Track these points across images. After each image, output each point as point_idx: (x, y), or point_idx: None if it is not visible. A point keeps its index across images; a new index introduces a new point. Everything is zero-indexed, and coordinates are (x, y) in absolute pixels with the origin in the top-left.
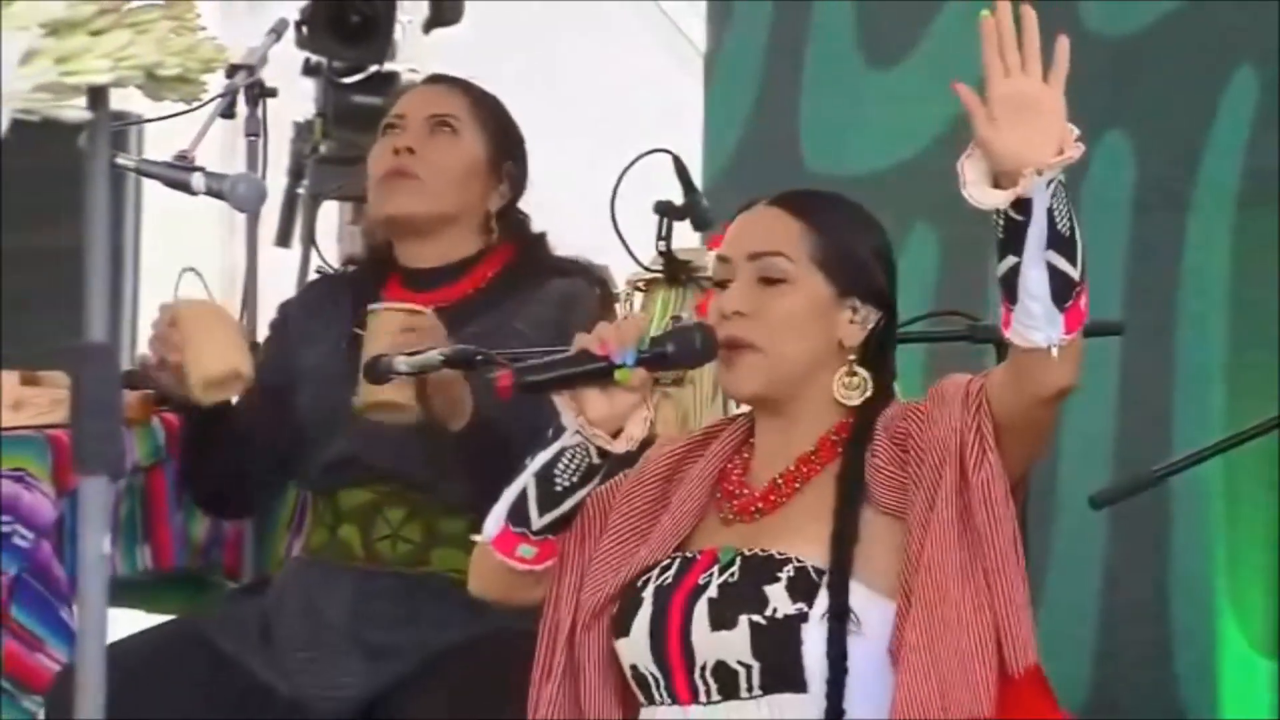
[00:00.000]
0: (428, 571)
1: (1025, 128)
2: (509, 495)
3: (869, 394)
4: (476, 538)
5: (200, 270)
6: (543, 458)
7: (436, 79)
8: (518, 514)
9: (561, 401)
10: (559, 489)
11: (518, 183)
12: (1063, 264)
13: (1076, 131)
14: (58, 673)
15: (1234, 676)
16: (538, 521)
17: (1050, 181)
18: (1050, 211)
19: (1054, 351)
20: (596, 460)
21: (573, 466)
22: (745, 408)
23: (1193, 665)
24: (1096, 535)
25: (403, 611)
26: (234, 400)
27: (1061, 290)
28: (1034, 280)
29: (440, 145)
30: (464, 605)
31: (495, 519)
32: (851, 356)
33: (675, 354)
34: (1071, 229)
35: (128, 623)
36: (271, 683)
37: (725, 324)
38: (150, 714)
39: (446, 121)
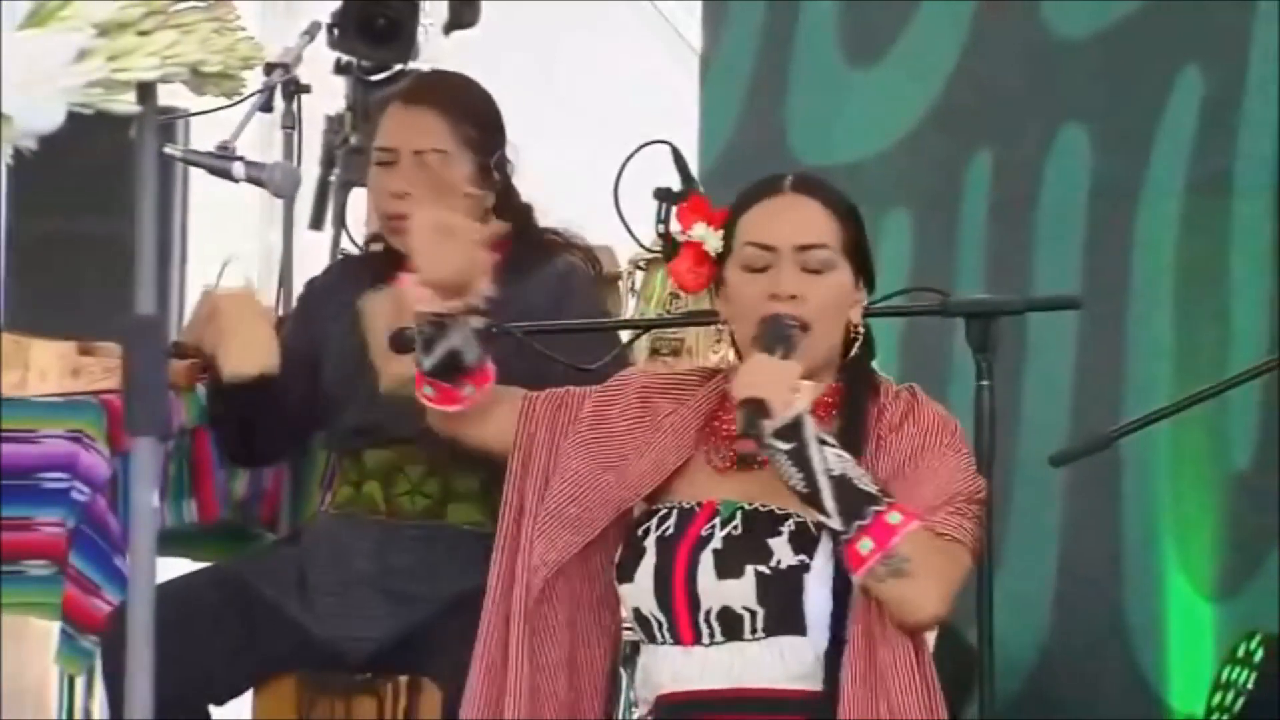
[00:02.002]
0: (445, 524)
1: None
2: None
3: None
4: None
5: (240, 251)
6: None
7: (415, 97)
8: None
9: None
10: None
11: (504, 167)
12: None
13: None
14: (111, 614)
15: (1180, 621)
16: (428, 363)
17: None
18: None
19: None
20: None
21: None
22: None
23: (1142, 610)
24: (1054, 494)
25: (422, 561)
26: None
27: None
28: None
29: (432, 179)
30: (478, 554)
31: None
32: (854, 336)
33: (787, 350)
34: (809, 481)
35: (175, 570)
36: (305, 624)
37: (776, 305)
38: (196, 651)
39: (433, 158)
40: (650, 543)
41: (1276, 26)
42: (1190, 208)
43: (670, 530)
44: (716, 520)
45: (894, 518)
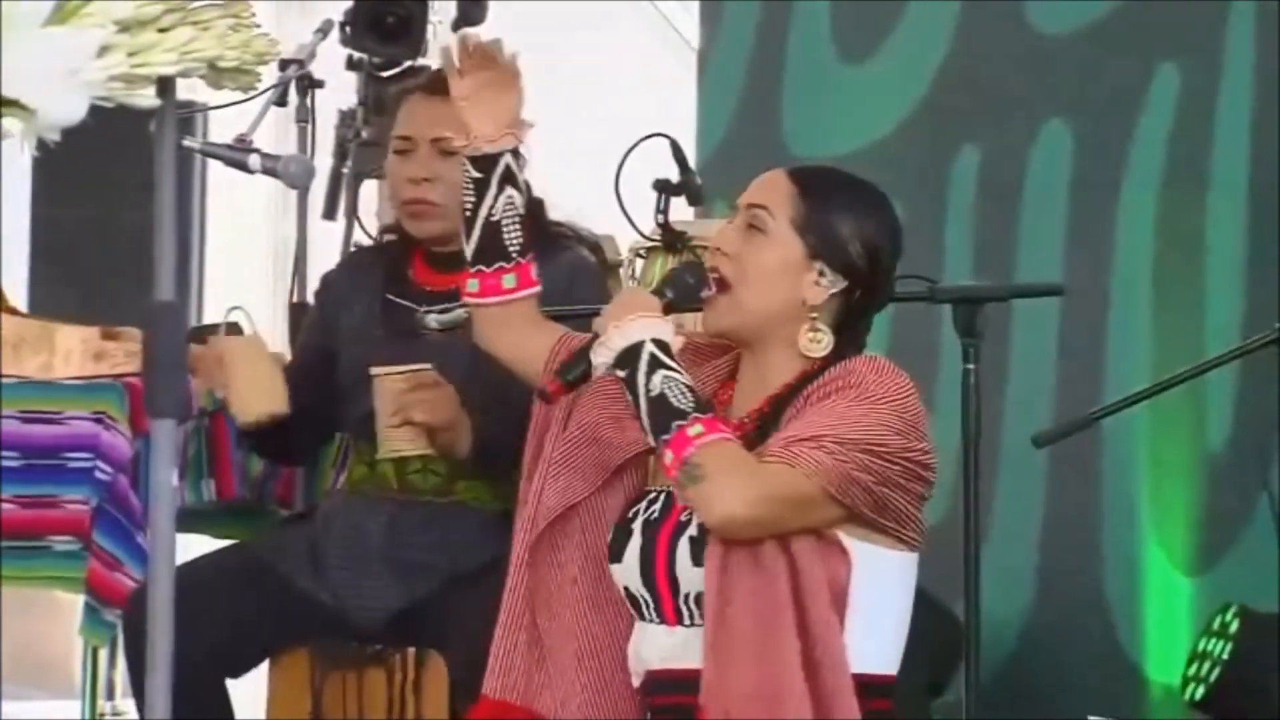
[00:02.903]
0: (454, 500)
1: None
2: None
3: (828, 351)
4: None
5: (253, 242)
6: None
7: (433, 89)
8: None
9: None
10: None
11: (520, 158)
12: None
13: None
14: (133, 589)
15: (1157, 594)
16: None
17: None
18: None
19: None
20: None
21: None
22: None
23: (1121, 585)
24: (1037, 472)
25: (432, 535)
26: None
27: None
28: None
29: (450, 169)
30: (486, 530)
31: None
32: (814, 315)
33: (676, 296)
34: (635, 403)
35: (194, 546)
36: (319, 597)
37: (713, 256)
38: (213, 624)
39: (450, 147)
40: (638, 525)
41: (1250, 26)
42: (1167, 199)
43: (656, 514)
44: None
45: (694, 430)
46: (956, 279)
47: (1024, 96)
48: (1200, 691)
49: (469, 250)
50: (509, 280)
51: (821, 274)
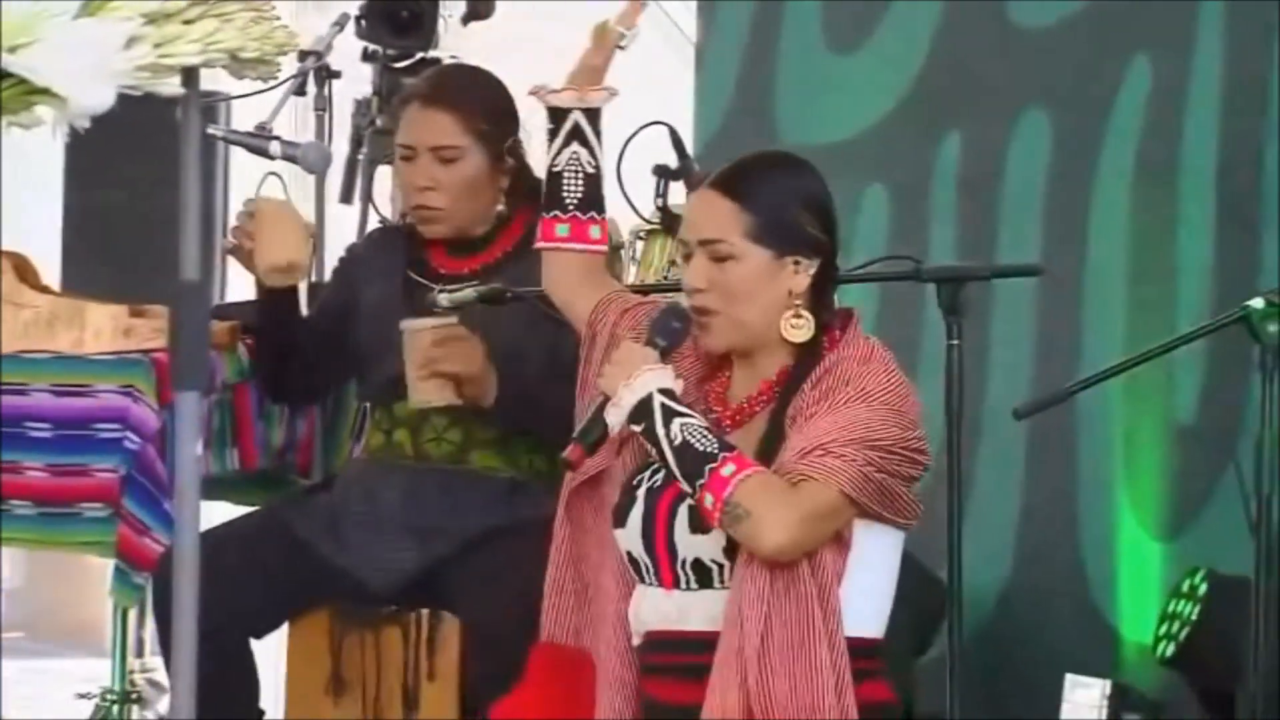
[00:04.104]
0: (467, 468)
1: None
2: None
3: (812, 333)
4: None
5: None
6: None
7: (429, 98)
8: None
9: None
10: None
11: (518, 151)
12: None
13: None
14: (161, 553)
15: (1130, 559)
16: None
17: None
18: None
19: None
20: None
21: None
22: None
23: (1096, 549)
24: (1017, 444)
25: (447, 501)
26: (304, 311)
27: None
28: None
29: (449, 175)
30: (498, 496)
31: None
32: (798, 301)
33: (669, 343)
34: (660, 455)
35: (218, 513)
36: (338, 562)
37: (692, 297)
38: (237, 586)
39: (449, 155)
40: (641, 492)
41: (1219, 20)
42: (1140, 185)
43: (658, 483)
44: None
45: (727, 470)
46: (940, 259)
47: (1004, 87)
48: (1170, 649)
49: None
50: (562, 229)
51: (797, 263)
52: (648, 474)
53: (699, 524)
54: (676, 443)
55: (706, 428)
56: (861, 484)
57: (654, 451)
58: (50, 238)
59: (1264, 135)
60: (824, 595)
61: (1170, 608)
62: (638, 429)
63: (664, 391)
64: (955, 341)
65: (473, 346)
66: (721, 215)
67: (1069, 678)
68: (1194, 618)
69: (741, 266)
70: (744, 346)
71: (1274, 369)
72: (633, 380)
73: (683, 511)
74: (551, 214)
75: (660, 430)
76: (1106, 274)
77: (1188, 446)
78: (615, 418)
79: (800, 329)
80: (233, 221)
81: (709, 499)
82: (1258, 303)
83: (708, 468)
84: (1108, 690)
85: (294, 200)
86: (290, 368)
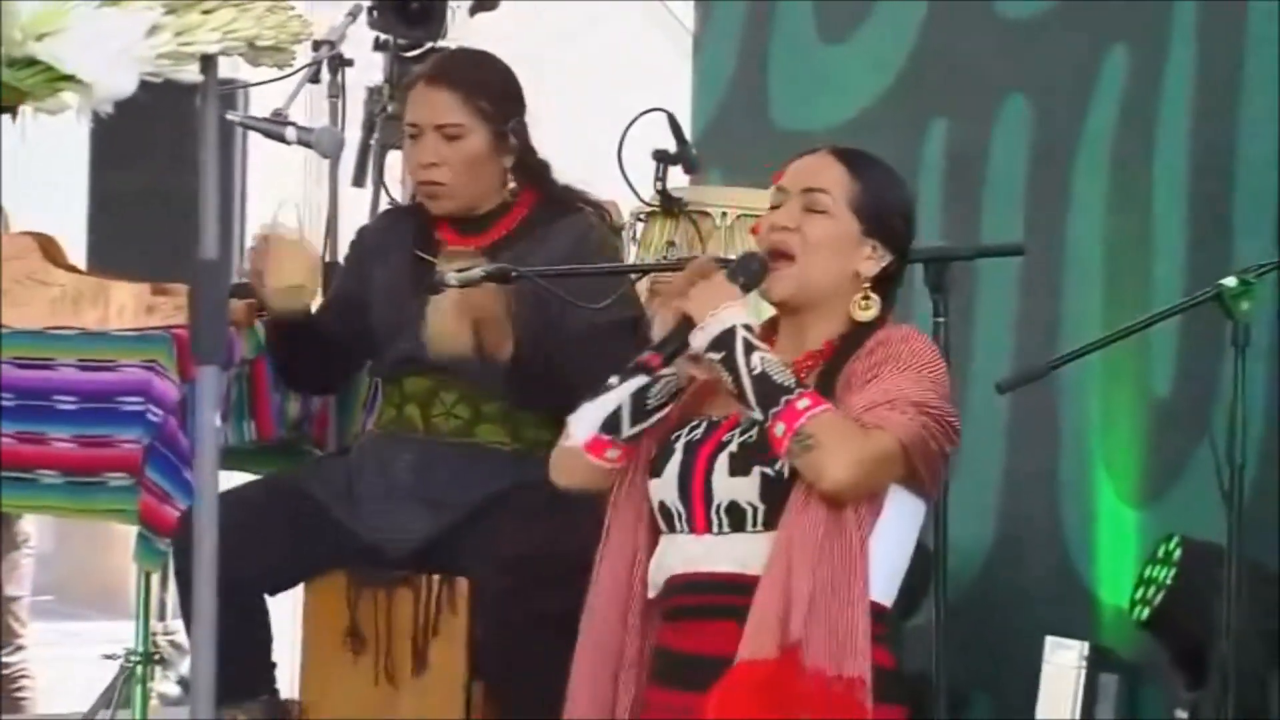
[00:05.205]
0: (474, 441)
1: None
2: (602, 408)
3: (876, 315)
4: (566, 442)
5: (291, 198)
6: (637, 382)
7: (434, 78)
8: (610, 425)
9: (680, 362)
10: (650, 407)
11: (522, 132)
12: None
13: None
14: (181, 519)
15: (1108, 526)
16: (627, 431)
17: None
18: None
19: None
20: (683, 386)
21: (665, 391)
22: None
23: (1075, 517)
24: (1000, 416)
25: (454, 472)
26: (313, 310)
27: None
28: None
29: (453, 152)
30: (504, 467)
31: (587, 427)
32: (866, 284)
33: (747, 281)
34: (736, 382)
35: (236, 482)
36: (352, 528)
37: (773, 235)
38: (255, 550)
39: (453, 132)
40: (679, 445)
41: (1193, 10)
42: (1117, 168)
43: (698, 436)
44: (736, 430)
45: (803, 403)
46: (926, 240)
47: (988, 75)
48: (1146, 613)
49: (600, 407)
50: (613, 454)
51: (874, 249)
52: (686, 430)
53: (740, 468)
54: (756, 372)
55: (786, 365)
56: (918, 443)
57: (729, 379)
58: (75, 219)
59: (1236, 121)
60: (864, 549)
61: (1146, 573)
62: (716, 356)
63: (747, 327)
64: (941, 319)
65: (492, 293)
66: (833, 175)
67: (1049, 640)
68: (1169, 582)
69: (831, 224)
70: (803, 302)
71: (1245, 344)
72: (720, 311)
73: (723, 458)
74: (785, 403)
75: (741, 359)
76: (1085, 254)
77: (1163, 419)
78: (700, 340)
79: (868, 310)
80: (249, 217)
81: (780, 427)
82: (1230, 281)
83: (784, 398)
84: (1086, 652)
85: (309, 192)
86: (305, 368)
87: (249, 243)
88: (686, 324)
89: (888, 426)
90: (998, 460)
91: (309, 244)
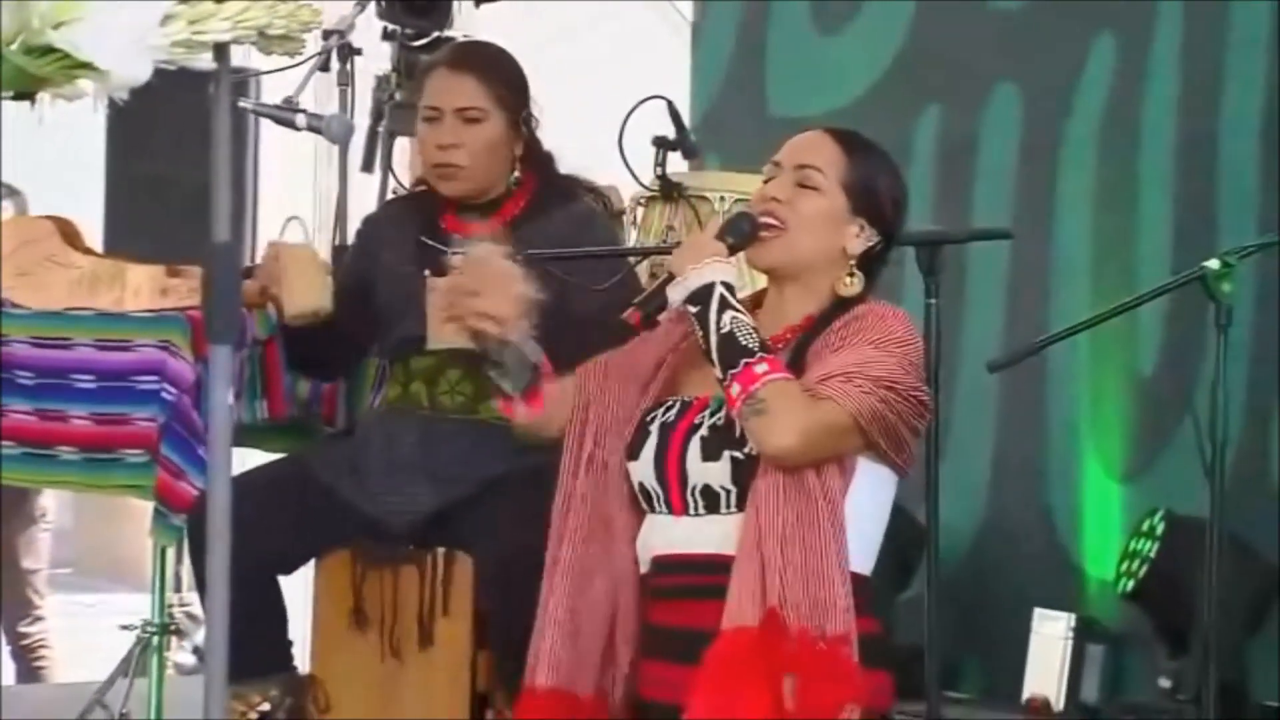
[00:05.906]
0: (478, 419)
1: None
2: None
3: (859, 291)
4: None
5: (300, 191)
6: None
7: (456, 63)
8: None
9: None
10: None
11: (530, 122)
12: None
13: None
14: (195, 496)
15: (1094, 501)
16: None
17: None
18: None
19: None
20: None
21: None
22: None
23: (1062, 492)
24: (990, 394)
25: (459, 448)
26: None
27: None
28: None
29: (472, 136)
30: (506, 445)
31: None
32: (852, 262)
33: (735, 240)
34: (705, 338)
35: (249, 459)
36: (358, 503)
37: (764, 205)
38: (267, 527)
39: (472, 115)
40: (655, 427)
41: (1178, 2)
42: (1104, 154)
43: (671, 418)
44: (706, 412)
45: (760, 368)
46: (919, 223)
47: (978, 62)
48: (1130, 585)
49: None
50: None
51: (862, 228)
52: (660, 410)
53: (711, 452)
54: (724, 331)
55: (754, 329)
56: (873, 417)
57: (699, 335)
58: (93, 204)
59: (1219, 108)
60: (834, 513)
61: (1130, 546)
62: (693, 310)
63: (726, 285)
64: (933, 300)
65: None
66: (827, 153)
67: (1037, 612)
68: (1152, 555)
69: (821, 200)
70: (790, 273)
71: (1228, 325)
72: (701, 266)
73: (695, 442)
74: (742, 364)
75: (713, 316)
76: (1073, 237)
77: (1148, 397)
78: (677, 294)
79: (851, 286)
80: (261, 200)
81: (736, 388)
82: (1213, 263)
83: (743, 360)
84: (1073, 623)
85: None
86: (317, 360)
87: (260, 249)
88: (669, 281)
89: (838, 398)
90: (988, 437)
91: (319, 258)
